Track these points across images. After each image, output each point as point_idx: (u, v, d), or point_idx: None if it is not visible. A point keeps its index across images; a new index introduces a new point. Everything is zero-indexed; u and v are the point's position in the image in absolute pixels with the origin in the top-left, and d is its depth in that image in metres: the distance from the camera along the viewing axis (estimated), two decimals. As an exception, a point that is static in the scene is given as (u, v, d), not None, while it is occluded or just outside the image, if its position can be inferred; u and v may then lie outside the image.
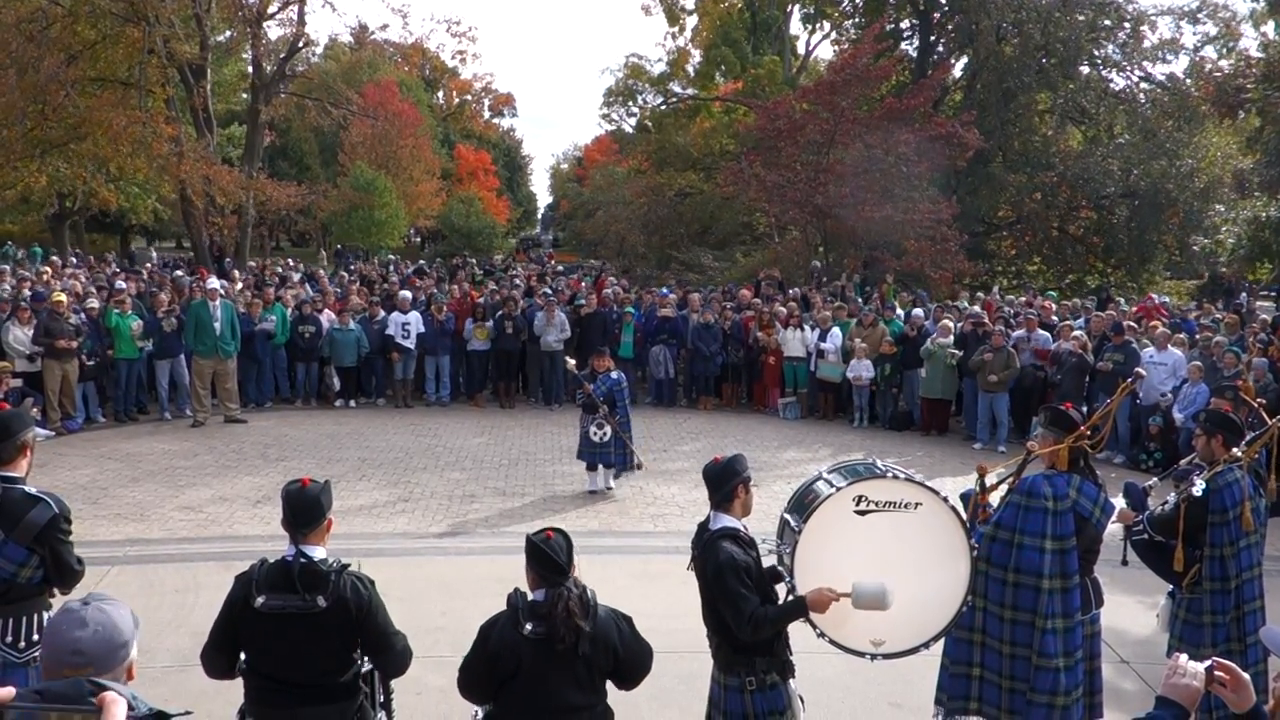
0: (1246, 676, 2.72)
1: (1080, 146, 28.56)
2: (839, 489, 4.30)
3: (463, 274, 24.01)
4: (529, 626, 3.67)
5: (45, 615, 4.59)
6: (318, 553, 3.89)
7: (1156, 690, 2.81)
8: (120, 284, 16.80)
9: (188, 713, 1.63)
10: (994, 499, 5.12)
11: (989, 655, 5.02)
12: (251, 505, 10.42)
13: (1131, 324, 14.79)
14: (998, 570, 4.97)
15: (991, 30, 26.72)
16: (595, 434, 10.84)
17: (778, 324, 16.23)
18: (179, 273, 21.25)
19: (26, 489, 4.49)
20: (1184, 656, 2.79)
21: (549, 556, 3.71)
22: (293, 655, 3.82)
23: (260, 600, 3.77)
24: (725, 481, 4.33)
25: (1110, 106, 28.72)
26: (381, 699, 4.12)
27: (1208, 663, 2.75)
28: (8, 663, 4.45)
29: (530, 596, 3.77)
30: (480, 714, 3.90)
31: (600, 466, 11.13)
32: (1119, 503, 5.71)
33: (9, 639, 4.46)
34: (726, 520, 4.32)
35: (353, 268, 26.99)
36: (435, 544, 9.45)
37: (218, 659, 3.88)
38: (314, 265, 29.94)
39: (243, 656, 3.91)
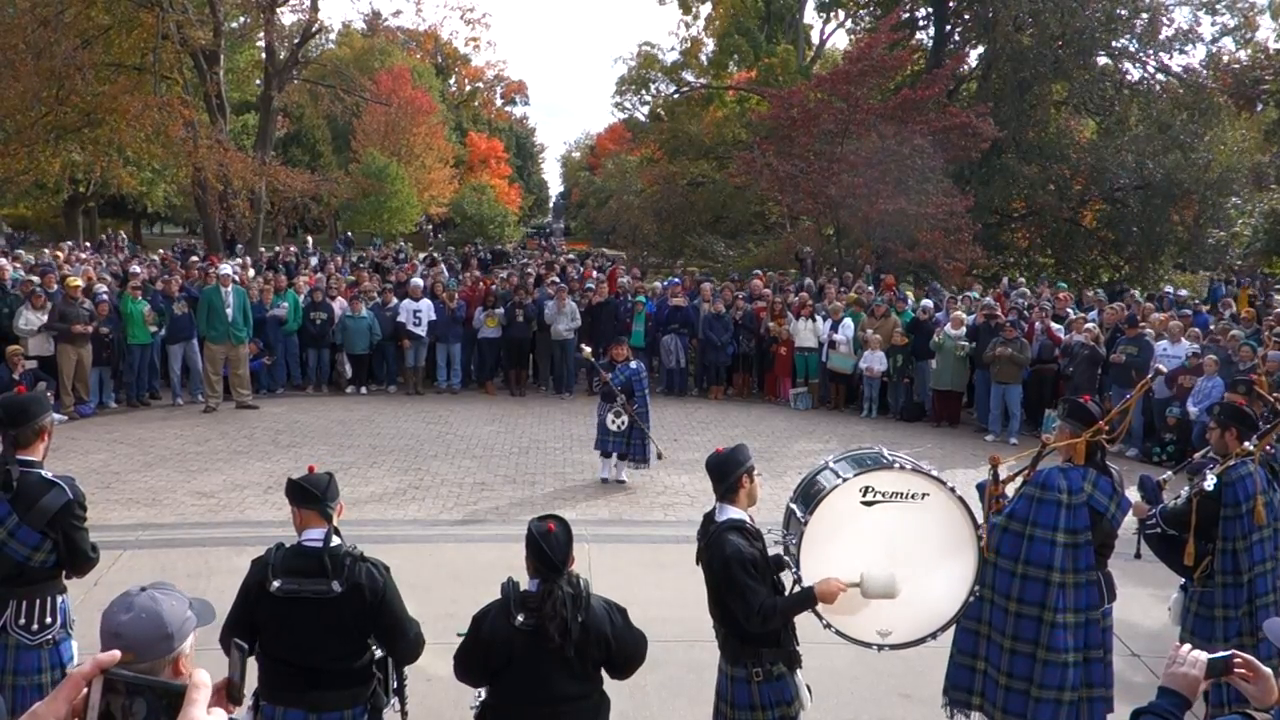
0: (1268, 670, 2.69)
1: (1094, 138, 28.39)
2: (846, 479, 4.26)
3: (475, 262, 24.06)
4: (520, 618, 3.69)
5: (60, 599, 4.63)
6: (333, 538, 3.94)
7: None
8: (135, 268, 16.88)
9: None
10: (1009, 491, 5.10)
11: (992, 649, 5.02)
12: (263, 491, 10.46)
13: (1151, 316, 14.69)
14: (1007, 562, 4.95)
15: (1008, 19, 26.53)
16: (612, 423, 10.82)
17: (789, 314, 16.20)
18: (193, 258, 21.28)
19: (43, 473, 4.51)
20: (1186, 646, 2.77)
21: (544, 552, 3.73)
22: (307, 639, 3.86)
23: (276, 584, 3.81)
24: (729, 472, 4.32)
25: (1125, 98, 28.51)
26: (395, 685, 4.15)
27: (1225, 654, 2.72)
28: (21, 645, 4.48)
29: (523, 587, 3.79)
30: (482, 696, 3.94)
31: (614, 455, 11.12)
32: (1133, 495, 5.69)
33: (22, 621, 4.49)
34: (732, 512, 4.31)
35: (363, 255, 27.02)
36: (446, 531, 9.48)
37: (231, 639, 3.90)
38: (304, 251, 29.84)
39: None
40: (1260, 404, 6.78)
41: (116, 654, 1.50)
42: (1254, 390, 6.78)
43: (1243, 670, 2.67)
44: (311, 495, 3.97)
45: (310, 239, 33.59)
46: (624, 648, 3.87)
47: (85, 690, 1.46)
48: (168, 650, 2.20)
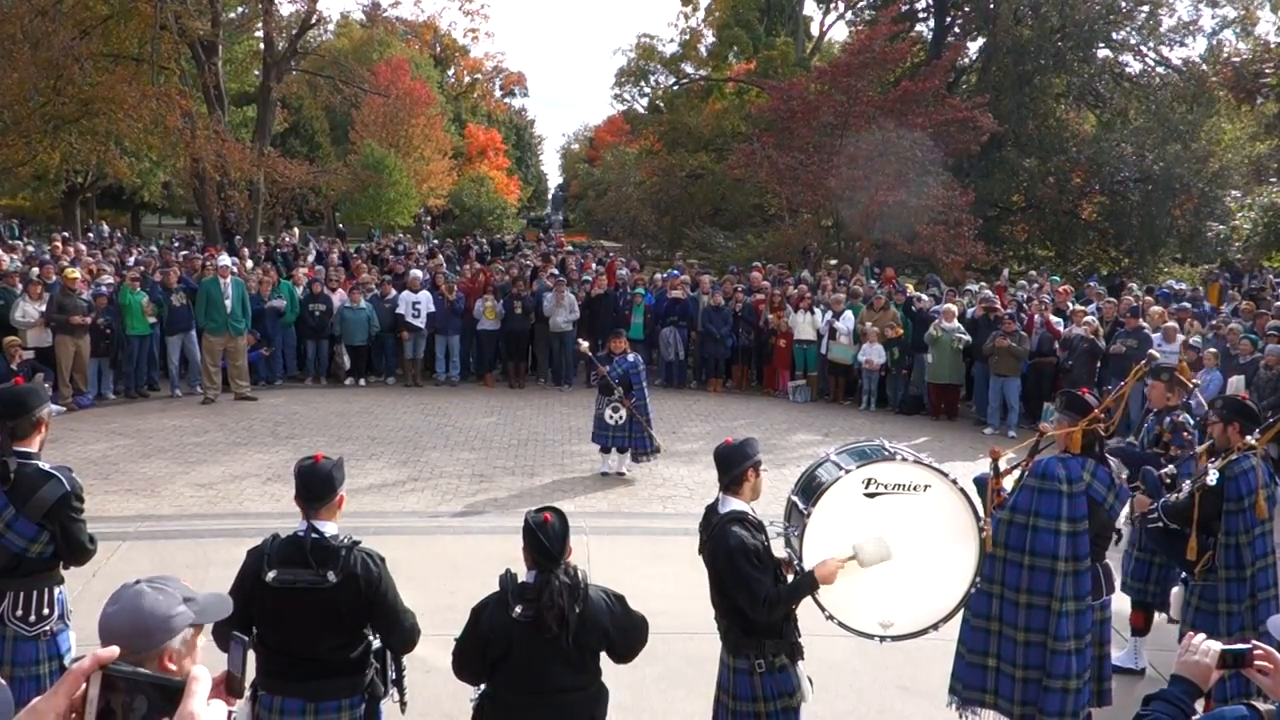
0: None
1: (1094, 131, 28.35)
2: (848, 471, 4.26)
3: (474, 253, 24.02)
4: (518, 609, 3.68)
5: (57, 590, 4.61)
6: (329, 528, 3.92)
7: (1166, 677, 2.79)
8: (132, 259, 16.84)
9: None
10: (1007, 484, 5.09)
11: (1005, 644, 5.00)
12: (262, 483, 10.44)
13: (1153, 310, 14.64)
14: (1014, 554, 4.95)
15: (1008, 12, 26.50)
16: (610, 416, 10.78)
17: (789, 307, 16.19)
18: (185, 252, 21.22)
19: (40, 465, 4.49)
20: (1200, 635, 2.76)
21: (541, 543, 3.72)
22: (303, 630, 3.85)
23: (271, 574, 3.81)
24: (736, 464, 4.30)
25: (1125, 90, 28.48)
26: (393, 676, 4.14)
27: (1244, 646, 2.70)
28: (18, 636, 4.46)
29: (521, 578, 3.78)
30: (481, 687, 3.93)
31: (614, 449, 11.09)
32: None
33: (19, 613, 4.47)
34: (735, 504, 4.30)
35: (362, 248, 26.95)
36: (445, 523, 9.47)
37: (230, 633, 3.89)
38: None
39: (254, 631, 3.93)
40: (1181, 390, 6.83)
41: (115, 650, 1.49)
42: (1176, 379, 6.80)
43: (1264, 662, 2.65)
44: (298, 490, 3.97)
45: (297, 231, 33.49)
46: (623, 635, 3.86)
47: (84, 686, 1.45)
48: (148, 644, 2.17)
